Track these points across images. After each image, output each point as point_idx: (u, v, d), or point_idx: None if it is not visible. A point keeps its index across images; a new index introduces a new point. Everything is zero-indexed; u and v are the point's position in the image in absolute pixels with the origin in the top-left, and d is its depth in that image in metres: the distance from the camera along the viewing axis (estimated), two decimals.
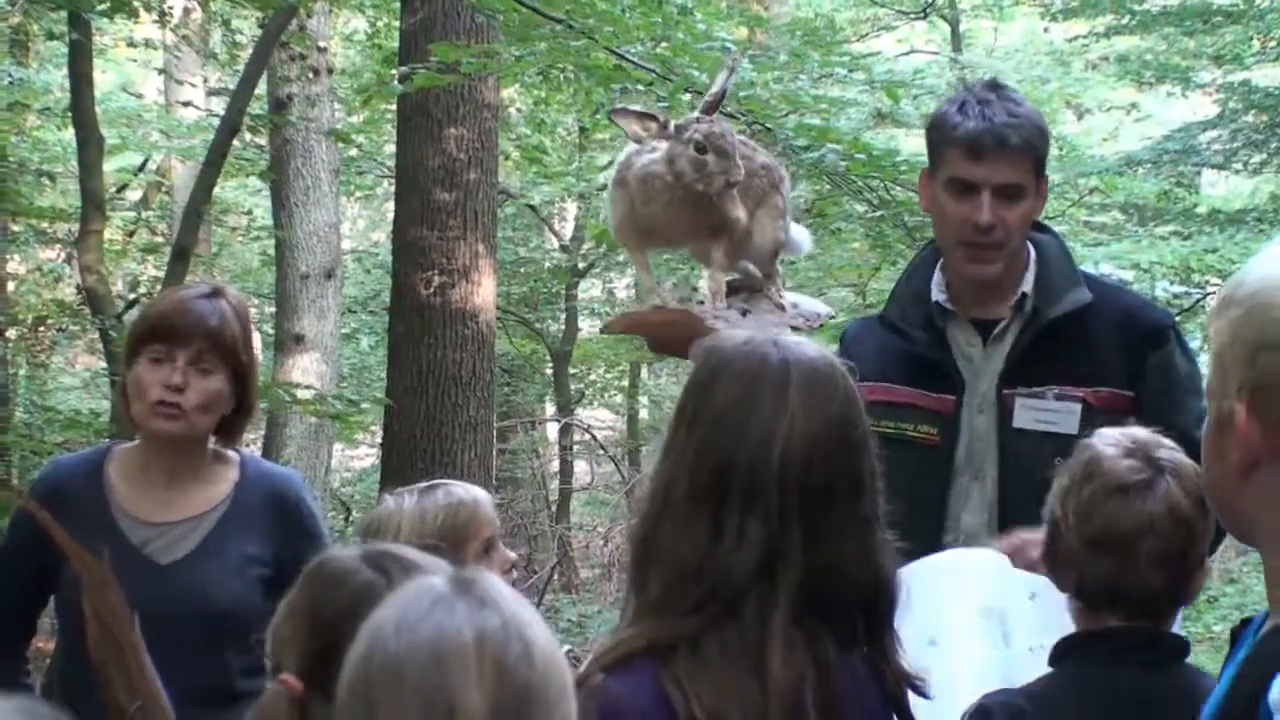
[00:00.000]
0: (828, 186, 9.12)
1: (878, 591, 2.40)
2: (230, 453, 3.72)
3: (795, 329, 3.70)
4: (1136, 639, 2.78)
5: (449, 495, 3.53)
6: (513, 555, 3.68)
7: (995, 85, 3.76)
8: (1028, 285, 3.71)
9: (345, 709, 1.81)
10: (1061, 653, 2.84)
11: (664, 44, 7.55)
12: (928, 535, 3.57)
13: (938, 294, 3.77)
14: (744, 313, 3.55)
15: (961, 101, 3.70)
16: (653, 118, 3.47)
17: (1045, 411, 3.63)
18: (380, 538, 3.33)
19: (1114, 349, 3.65)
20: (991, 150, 3.61)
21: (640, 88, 7.80)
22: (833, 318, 3.82)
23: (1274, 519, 2.05)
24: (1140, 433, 2.87)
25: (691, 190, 3.40)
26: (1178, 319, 4.43)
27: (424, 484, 3.61)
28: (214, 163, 8.88)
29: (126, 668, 2.68)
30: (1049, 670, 2.85)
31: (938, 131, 3.74)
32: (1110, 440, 2.84)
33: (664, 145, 3.41)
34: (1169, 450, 2.84)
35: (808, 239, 4.02)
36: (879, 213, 8.20)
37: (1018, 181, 3.64)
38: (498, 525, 3.62)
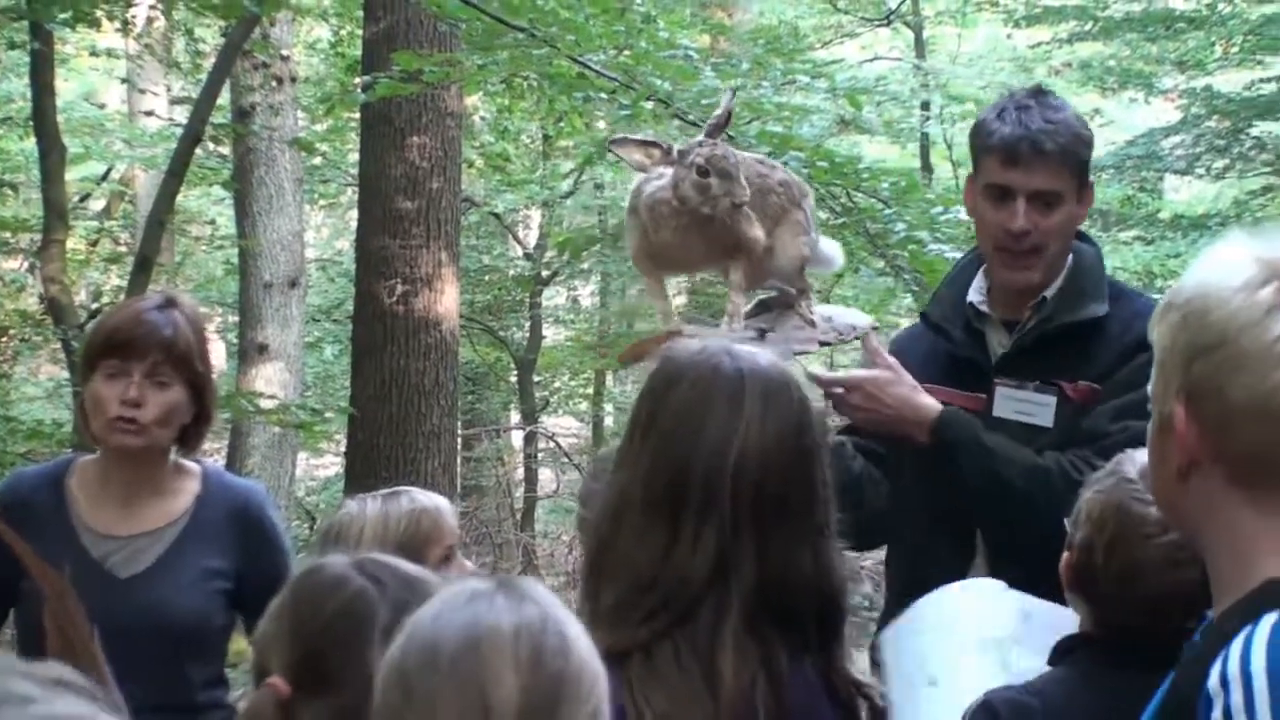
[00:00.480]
0: None
1: (830, 600, 2.40)
2: (192, 465, 3.71)
3: (825, 343, 3.71)
4: (1145, 639, 2.72)
5: (413, 502, 3.53)
6: (471, 565, 3.68)
7: (1038, 92, 3.73)
8: (1051, 291, 3.69)
9: (381, 700, 1.82)
10: (1065, 650, 2.81)
11: (626, 52, 7.55)
12: (961, 530, 3.60)
13: (974, 295, 3.77)
14: (763, 332, 3.55)
15: (1001, 108, 3.68)
16: (655, 144, 3.47)
17: (1024, 403, 3.62)
18: (342, 542, 3.32)
19: (1116, 354, 3.60)
20: (1026, 156, 3.58)
21: (603, 96, 7.81)
22: (876, 328, 3.79)
23: (1212, 520, 2.09)
24: None
25: (698, 214, 3.41)
26: None
27: (386, 490, 3.60)
28: (177, 172, 8.88)
29: None
30: (1051, 669, 2.82)
31: (977, 138, 3.72)
32: (1142, 470, 2.64)
33: (671, 171, 3.42)
34: None
35: (839, 253, 4.02)
36: (841, 220, 8.18)
37: (1054, 188, 3.60)
38: (458, 535, 3.63)
